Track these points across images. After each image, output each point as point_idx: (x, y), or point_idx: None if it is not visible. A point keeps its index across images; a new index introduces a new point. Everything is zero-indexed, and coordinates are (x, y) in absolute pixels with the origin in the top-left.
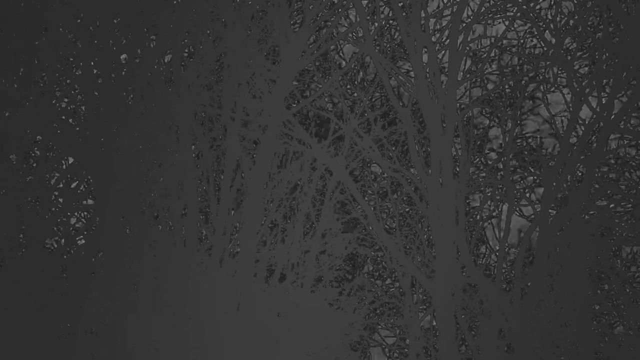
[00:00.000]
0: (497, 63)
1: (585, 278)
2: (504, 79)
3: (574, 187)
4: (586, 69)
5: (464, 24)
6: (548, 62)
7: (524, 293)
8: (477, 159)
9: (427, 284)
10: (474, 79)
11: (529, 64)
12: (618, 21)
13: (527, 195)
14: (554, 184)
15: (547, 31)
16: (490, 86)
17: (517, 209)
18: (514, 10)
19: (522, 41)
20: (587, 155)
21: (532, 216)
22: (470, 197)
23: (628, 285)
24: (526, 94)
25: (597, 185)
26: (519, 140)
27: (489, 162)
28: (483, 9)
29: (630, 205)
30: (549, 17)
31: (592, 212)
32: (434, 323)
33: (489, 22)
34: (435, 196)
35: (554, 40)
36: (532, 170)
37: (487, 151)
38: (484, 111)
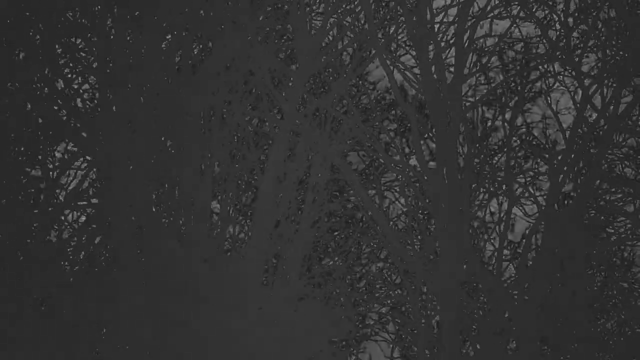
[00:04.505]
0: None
1: (585, 277)
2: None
3: (578, 183)
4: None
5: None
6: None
7: (526, 290)
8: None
9: (428, 278)
10: (479, 75)
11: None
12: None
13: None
14: (559, 180)
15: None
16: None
17: (520, 207)
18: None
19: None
20: (593, 150)
21: (536, 214)
22: (474, 192)
23: (629, 285)
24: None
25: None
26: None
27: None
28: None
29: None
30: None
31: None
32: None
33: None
34: (439, 191)
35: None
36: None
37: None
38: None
